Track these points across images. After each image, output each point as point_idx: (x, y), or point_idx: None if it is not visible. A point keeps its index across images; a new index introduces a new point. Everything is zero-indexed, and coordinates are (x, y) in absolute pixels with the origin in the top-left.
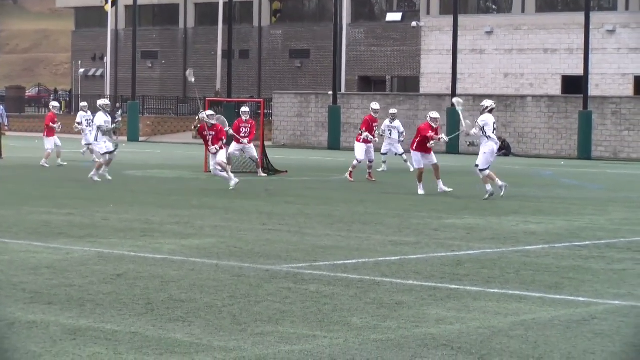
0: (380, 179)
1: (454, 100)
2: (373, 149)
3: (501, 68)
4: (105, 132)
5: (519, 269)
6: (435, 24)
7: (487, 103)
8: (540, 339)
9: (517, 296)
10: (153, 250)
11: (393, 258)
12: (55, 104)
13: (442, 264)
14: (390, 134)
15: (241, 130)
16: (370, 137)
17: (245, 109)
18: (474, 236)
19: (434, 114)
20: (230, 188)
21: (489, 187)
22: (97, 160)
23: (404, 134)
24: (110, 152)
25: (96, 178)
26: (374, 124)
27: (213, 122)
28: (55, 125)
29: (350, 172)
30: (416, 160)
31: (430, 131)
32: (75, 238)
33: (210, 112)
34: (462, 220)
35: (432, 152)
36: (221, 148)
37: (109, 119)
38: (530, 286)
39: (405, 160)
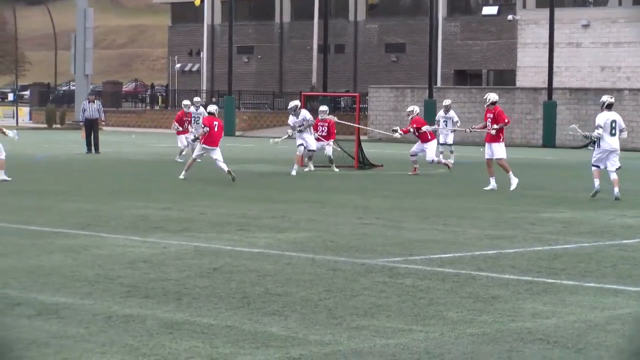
0: (476, 174)
1: (571, 128)
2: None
3: (598, 61)
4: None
5: (615, 263)
6: (532, 17)
7: (603, 98)
8: (637, 333)
9: (614, 290)
10: (249, 244)
11: (489, 252)
12: (187, 102)
13: (539, 258)
14: (446, 125)
15: (319, 128)
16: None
17: (323, 107)
18: (570, 230)
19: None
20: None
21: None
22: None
23: (459, 124)
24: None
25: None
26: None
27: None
28: (177, 125)
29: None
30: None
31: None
32: (172, 232)
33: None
34: (559, 214)
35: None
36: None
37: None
38: (627, 280)
39: (452, 152)
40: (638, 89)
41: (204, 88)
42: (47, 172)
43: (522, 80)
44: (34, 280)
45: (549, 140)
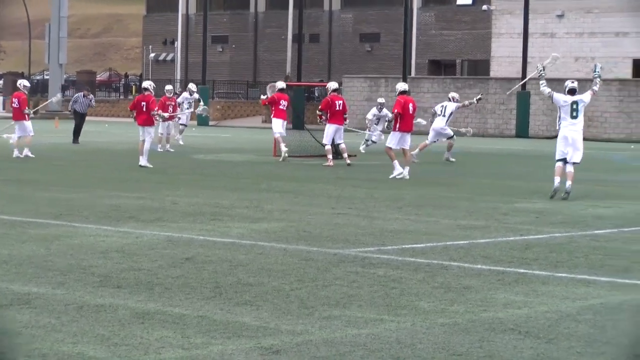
0: (448, 163)
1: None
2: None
3: (572, 52)
4: None
5: (587, 253)
6: (506, 7)
7: (566, 83)
8: (608, 323)
9: (586, 280)
10: (222, 234)
11: (461, 242)
12: (169, 87)
13: (511, 248)
14: (378, 123)
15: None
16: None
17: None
18: (543, 220)
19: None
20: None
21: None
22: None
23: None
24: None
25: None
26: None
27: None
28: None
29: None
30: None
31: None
32: (145, 222)
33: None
34: (532, 205)
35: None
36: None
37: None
38: (598, 270)
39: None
40: (612, 79)
41: (178, 77)
42: (21, 162)
43: (496, 70)
44: (7, 270)
45: (522, 131)
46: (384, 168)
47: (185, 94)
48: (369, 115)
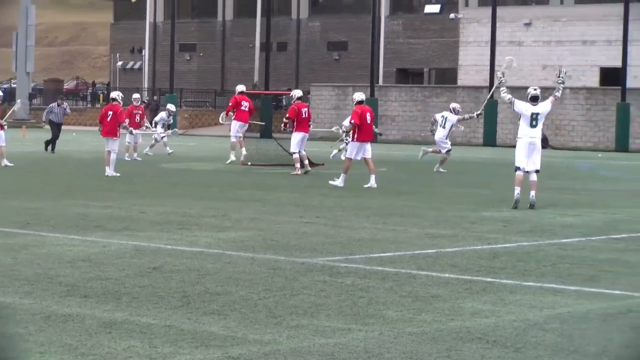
0: (419, 172)
1: (508, 59)
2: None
3: (539, 60)
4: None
5: (555, 262)
6: (474, 16)
7: (528, 90)
8: (575, 332)
9: (553, 289)
10: (189, 243)
11: (429, 251)
12: (137, 95)
13: (479, 257)
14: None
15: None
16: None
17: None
18: (510, 229)
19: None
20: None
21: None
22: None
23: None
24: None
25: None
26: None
27: None
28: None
29: None
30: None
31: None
32: (112, 231)
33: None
34: (499, 213)
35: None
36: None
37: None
38: (566, 279)
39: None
40: (579, 87)
41: (146, 86)
42: None
43: (463, 79)
44: None
45: (490, 139)
46: (352, 177)
47: (163, 114)
48: (346, 123)
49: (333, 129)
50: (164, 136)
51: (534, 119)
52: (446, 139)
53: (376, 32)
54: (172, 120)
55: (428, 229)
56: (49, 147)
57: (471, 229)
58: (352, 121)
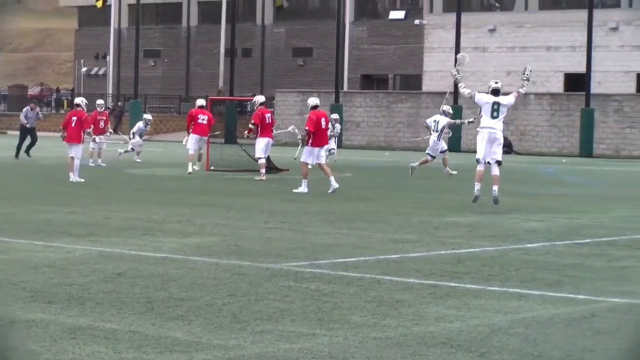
0: (384, 177)
1: (460, 56)
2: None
3: (504, 66)
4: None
5: (519, 266)
6: (438, 22)
7: (490, 83)
8: (540, 336)
9: (517, 294)
10: (154, 248)
11: (393, 256)
12: (101, 101)
13: (443, 262)
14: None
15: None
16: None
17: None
18: (474, 234)
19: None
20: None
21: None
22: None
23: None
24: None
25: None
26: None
27: None
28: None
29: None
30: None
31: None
32: (77, 237)
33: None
34: (464, 218)
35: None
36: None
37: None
38: (530, 284)
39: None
40: (543, 93)
41: (110, 92)
42: None
43: (428, 85)
44: None
45: (454, 145)
46: (317, 183)
47: (140, 125)
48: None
49: (289, 128)
50: (140, 145)
51: (494, 110)
52: (439, 140)
53: (341, 38)
54: (148, 129)
55: (392, 234)
56: (28, 151)
57: (435, 234)
58: (307, 128)
